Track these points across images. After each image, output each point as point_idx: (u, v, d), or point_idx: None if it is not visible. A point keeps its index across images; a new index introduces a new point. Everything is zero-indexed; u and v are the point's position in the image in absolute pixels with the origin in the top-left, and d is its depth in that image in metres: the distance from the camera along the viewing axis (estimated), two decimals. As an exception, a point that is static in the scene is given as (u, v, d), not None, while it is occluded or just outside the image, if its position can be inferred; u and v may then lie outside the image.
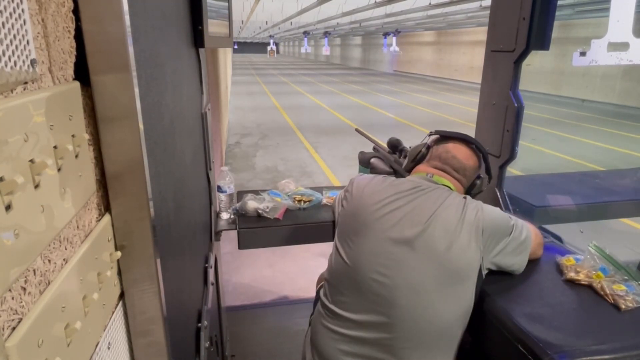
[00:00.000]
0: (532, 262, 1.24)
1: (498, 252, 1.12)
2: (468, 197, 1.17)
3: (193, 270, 1.15)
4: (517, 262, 1.17)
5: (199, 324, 1.18)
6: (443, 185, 1.21)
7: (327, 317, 1.19)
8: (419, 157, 1.32)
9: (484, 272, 1.11)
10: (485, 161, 1.31)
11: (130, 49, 0.57)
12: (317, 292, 1.51)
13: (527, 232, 1.18)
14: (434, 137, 1.35)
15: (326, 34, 20.61)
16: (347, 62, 40.12)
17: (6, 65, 0.40)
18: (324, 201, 1.77)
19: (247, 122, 9.66)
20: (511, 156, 1.60)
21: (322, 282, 1.33)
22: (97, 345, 0.58)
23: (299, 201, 1.73)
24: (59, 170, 0.49)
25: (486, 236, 1.08)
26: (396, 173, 1.56)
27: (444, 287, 1.05)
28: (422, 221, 1.09)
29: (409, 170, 1.36)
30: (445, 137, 1.32)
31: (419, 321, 1.05)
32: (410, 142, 1.51)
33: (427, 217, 1.09)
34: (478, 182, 1.28)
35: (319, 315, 1.24)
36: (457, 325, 1.09)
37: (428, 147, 1.32)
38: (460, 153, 1.26)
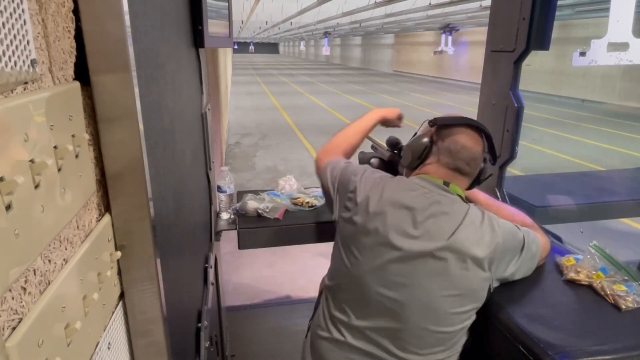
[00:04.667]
0: None
1: (511, 272, 1.12)
2: (486, 213, 1.11)
3: (193, 270, 1.15)
4: (525, 273, 1.17)
5: (199, 324, 1.18)
6: (457, 195, 1.14)
7: (331, 325, 1.16)
8: (424, 154, 1.22)
9: (493, 287, 1.10)
10: (489, 140, 1.23)
11: (130, 49, 0.57)
12: (319, 296, 1.47)
13: (536, 245, 1.17)
14: (435, 127, 1.24)
15: (326, 34, 20.63)
16: (347, 62, 40.11)
17: (6, 66, 0.40)
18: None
19: (247, 122, 9.66)
20: (511, 156, 1.60)
21: (323, 286, 1.29)
22: (97, 345, 0.58)
23: (302, 204, 1.72)
24: (59, 170, 0.49)
25: (499, 257, 1.07)
26: (397, 173, 1.55)
27: (456, 304, 1.05)
28: (444, 237, 1.04)
29: (414, 168, 1.25)
30: (448, 125, 1.22)
31: (427, 336, 1.06)
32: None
33: (448, 235, 1.05)
34: (486, 165, 1.22)
35: (321, 322, 1.20)
36: (461, 337, 1.10)
37: (432, 141, 1.22)
38: (469, 141, 1.18)
